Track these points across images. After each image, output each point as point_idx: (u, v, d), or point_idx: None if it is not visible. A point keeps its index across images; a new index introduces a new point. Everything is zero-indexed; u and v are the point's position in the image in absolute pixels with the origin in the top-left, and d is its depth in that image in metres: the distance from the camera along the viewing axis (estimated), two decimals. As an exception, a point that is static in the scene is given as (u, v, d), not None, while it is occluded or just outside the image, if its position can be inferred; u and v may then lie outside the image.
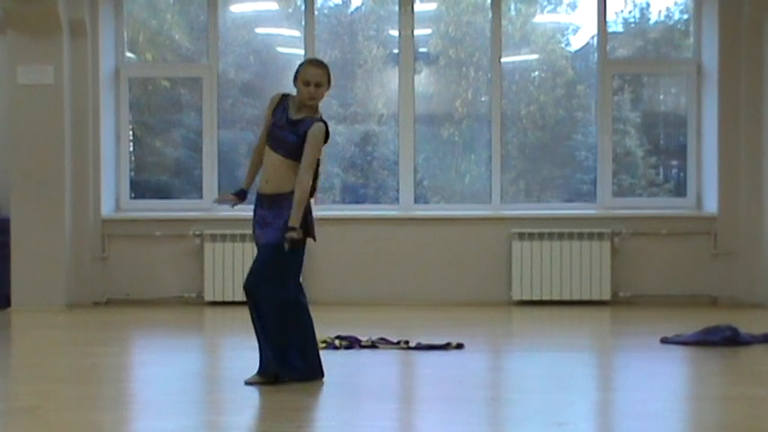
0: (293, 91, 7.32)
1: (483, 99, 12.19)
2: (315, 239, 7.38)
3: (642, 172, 12.37)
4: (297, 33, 12.20)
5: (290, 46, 12.31)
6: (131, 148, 12.20)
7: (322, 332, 8.64)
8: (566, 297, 11.52)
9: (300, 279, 7.50)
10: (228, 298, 11.45)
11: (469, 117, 12.27)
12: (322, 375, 7.29)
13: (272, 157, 7.18)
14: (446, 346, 8.57)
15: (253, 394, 6.90)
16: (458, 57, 12.35)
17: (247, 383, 7.12)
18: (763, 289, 11.34)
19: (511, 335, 10.13)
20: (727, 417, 6.41)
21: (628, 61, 12.30)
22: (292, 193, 7.08)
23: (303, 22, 12.03)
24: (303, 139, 7.10)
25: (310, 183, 7.13)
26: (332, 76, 7.30)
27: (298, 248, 7.17)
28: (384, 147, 12.30)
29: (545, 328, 10.25)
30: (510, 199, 12.10)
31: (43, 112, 11.17)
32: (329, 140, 7.26)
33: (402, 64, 11.96)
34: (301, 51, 11.94)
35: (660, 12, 12.40)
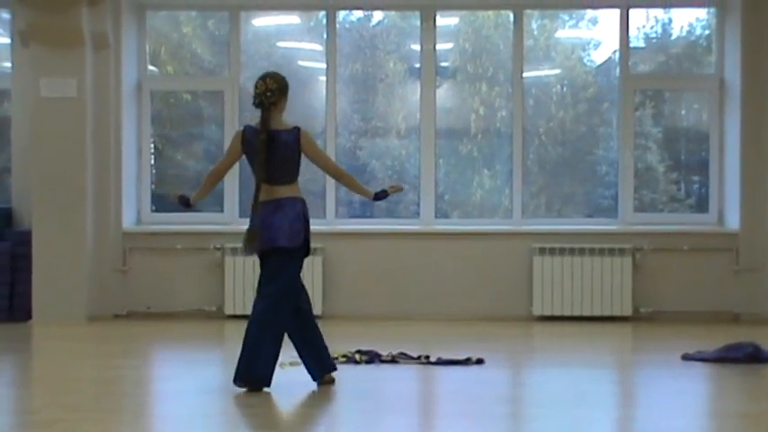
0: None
1: (503, 114, 12.18)
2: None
3: (663, 187, 12.34)
4: (318, 47, 12.22)
5: (312, 60, 12.32)
6: (153, 161, 12.24)
7: (342, 347, 8.65)
8: (587, 313, 11.48)
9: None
10: (249, 312, 11.40)
11: (489, 131, 12.27)
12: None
13: None
14: (466, 362, 8.55)
15: (271, 409, 6.89)
16: (478, 71, 12.35)
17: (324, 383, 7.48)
18: (785, 306, 11.29)
19: (532, 350, 10.10)
20: (749, 435, 6.37)
21: (649, 76, 12.27)
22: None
23: (325, 36, 12.05)
24: None
25: None
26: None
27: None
28: (405, 161, 12.29)
29: (566, 343, 10.21)
30: (531, 214, 12.08)
31: (65, 124, 11.21)
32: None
33: (423, 78, 11.96)
34: (323, 65, 11.96)
35: (682, 27, 12.38)
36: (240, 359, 7.37)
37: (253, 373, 7.31)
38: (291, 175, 7.47)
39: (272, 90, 7.41)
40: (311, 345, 7.53)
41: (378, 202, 9.08)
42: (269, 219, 7.38)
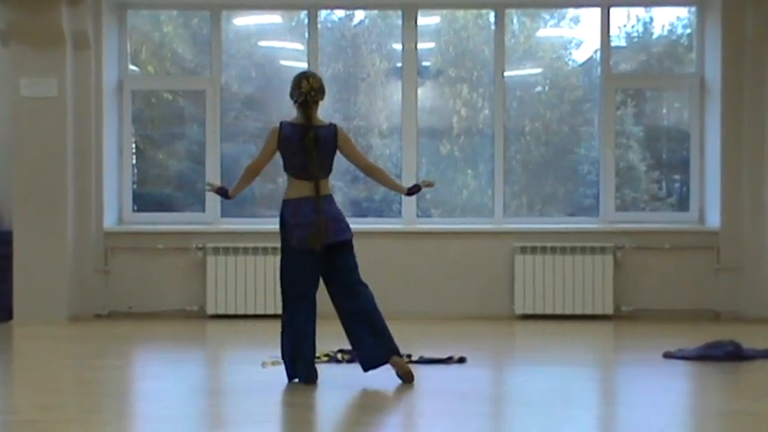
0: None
1: (485, 113, 12.20)
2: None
3: (645, 186, 12.37)
4: (300, 47, 12.21)
5: (293, 59, 12.32)
6: (134, 161, 12.21)
7: (325, 346, 8.64)
8: (568, 311, 11.51)
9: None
10: (231, 311, 11.45)
11: (471, 131, 12.28)
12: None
13: None
14: (448, 360, 8.56)
15: (255, 408, 6.88)
16: (460, 71, 12.36)
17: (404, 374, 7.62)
18: (766, 304, 11.34)
19: (513, 349, 10.11)
20: (730, 432, 6.39)
21: (631, 76, 12.30)
22: None
23: (306, 36, 12.04)
24: None
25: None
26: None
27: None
28: (387, 160, 12.30)
29: (547, 342, 10.23)
30: (512, 213, 12.11)
31: (46, 124, 11.18)
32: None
33: (405, 78, 11.97)
34: (304, 65, 11.95)
35: (663, 26, 12.42)
36: (373, 345, 7.63)
37: (395, 349, 7.64)
38: (329, 171, 7.72)
39: (316, 89, 7.70)
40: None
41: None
42: (328, 213, 7.58)
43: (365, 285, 7.83)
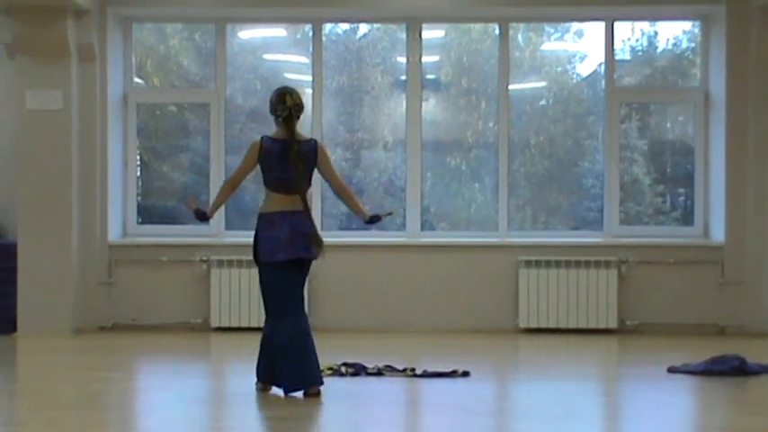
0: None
1: (489, 126, 12.20)
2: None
3: (649, 200, 12.36)
4: (304, 60, 12.23)
5: (298, 72, 12.33)
6: (139, 174, 12.22)
7: (328, 359, 8.63)
8: (572, 325, 11.49)
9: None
10: (234, 324, 11.44)
11: (475, 144, 12.28)
12: None
13: None
14: (452, 374, 8.55)
15: (256, 422, 6.88)
16: (465, 84, 12.37)
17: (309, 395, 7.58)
18: (770, 318, 11.32)
19: (517, 363, 10.11)
20: (734, 447, 6.38)
21: (635, 89, 12.31)
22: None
23: (311, 49, 12.05)
24: None
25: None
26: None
27: None
28: (391, 173, 12.30)
29: (551, 356, 10.21)
30: (517, 226, 12.10)
31: (51, 136, 11.20)
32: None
33: (409, 91, 11.98)
34: (309, 78, 11.96)
35: (668, 40, 12.42)
36: (291, 368, 7.57)
37: (318, 376, 7.63)
38: (308, 185, 7.79)
39: (298, 104, 7.80)
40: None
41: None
42: (304, 227, 7.65)
43: (302, 307, 7.79)
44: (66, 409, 7.36)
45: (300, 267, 7.74)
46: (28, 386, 8.49)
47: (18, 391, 8.31)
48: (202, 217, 7.87)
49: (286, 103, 7.74)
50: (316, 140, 7.86)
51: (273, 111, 7.81)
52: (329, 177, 7.87)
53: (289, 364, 7.54)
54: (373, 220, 8.01)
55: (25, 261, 11.18)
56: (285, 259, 7.61)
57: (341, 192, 7.93)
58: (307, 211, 7.69)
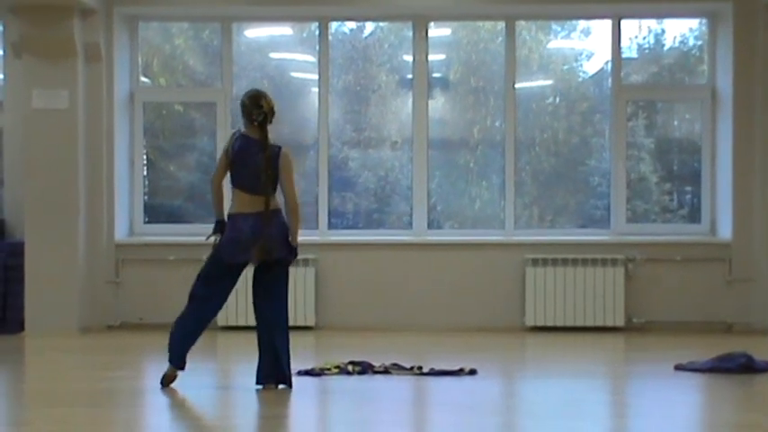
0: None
1: (496, 124, 12.19)
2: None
3: (656, 198, 12.35)
4: (311, 58, 12.23)
5: (304, 71, 12.34)
6: (145, 173, 12.23)
7: (335, 357, 8.64)
8: (579, 323, 11.49)
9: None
10: (242, 323, 11.44)
11: (482, 142, 12.27)
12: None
13: None
14: (459, 372, 8.54)
15: (263, 420, 6.87)
16: (471, 82, 12.36)
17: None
18: (777, 316, 11.30)
19: (524, 361, 10.10)
20: (742, 445, 6.37)
21: (642, 87, 12.29)
22: None
23: (317, 48, 12.05)
24: None
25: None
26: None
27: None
28: (397, 172, 12.30)
29: (558, 354, 10.21)
30: (523, 225, 12.09)
31: (58, 136, 11.21)
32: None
33: (415, 89, 11.97)
34: (315, 76, 11.97)
35: (675, 37, 12.41)
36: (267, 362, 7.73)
37: (288, 373, 7.70)
38: (275, 187, 7.74)
39: (272, 108, 7.75)
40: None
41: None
42: (268, 230, 7.61)
43: (278, 301, 7.83)
44: (73, 407, 7.36)
45: (268, 269, 7.75)
46: (35, 385, 8.50)
47: (26, 390, 8.32)
48: (222, 227, 7.84)
49: (262, 108, 7.69)
50: (281, 147, 7.76)
51: (248, 114, 7.74)
52: (283, 186, 7.75)
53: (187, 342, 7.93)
54: (293, 248, 7.76)
55: (32, 260, 11.19)
56: (243, 261, 7.72)
57: (287, 204, 7.76)
58: (271, 212, 7.63)
